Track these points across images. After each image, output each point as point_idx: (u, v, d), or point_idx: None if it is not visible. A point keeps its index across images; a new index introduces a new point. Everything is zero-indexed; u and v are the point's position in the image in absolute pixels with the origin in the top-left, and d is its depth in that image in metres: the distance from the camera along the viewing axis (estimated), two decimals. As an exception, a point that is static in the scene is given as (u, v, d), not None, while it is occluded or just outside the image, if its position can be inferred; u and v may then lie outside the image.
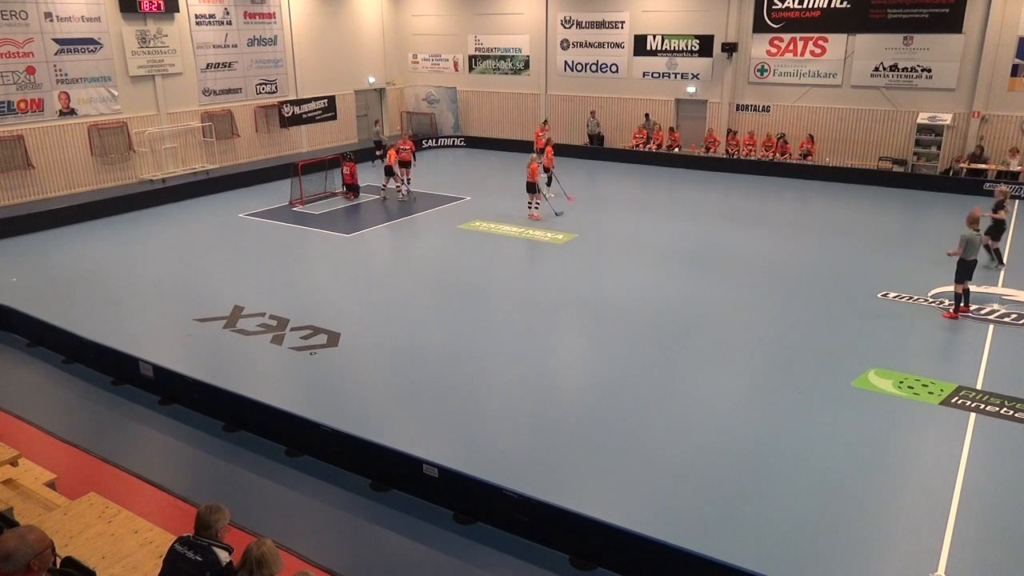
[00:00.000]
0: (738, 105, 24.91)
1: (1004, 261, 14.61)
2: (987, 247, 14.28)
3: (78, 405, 9.81)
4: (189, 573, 4.49)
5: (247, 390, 9.18)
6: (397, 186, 20.63)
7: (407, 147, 20.59)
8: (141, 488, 7.74)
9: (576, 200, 19.67)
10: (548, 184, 20.04)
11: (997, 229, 14.46)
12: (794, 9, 23.16)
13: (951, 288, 12.25)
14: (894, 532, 7.08)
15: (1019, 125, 20.97)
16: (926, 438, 8.73)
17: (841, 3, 22.45)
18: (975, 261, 11.95)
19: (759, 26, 23.81)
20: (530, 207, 18.43)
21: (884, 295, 13.11)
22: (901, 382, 9.94)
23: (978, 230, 12.03)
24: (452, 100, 29.66)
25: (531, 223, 17.92)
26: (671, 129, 25.82)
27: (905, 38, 21.81)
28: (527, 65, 28.44)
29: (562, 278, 14.39)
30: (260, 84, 24.98)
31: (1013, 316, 12.14)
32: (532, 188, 18.16)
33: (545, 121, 27.16)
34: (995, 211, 14.49)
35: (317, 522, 7.46)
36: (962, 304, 12.09)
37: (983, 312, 12.22)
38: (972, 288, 12.34)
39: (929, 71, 21.72)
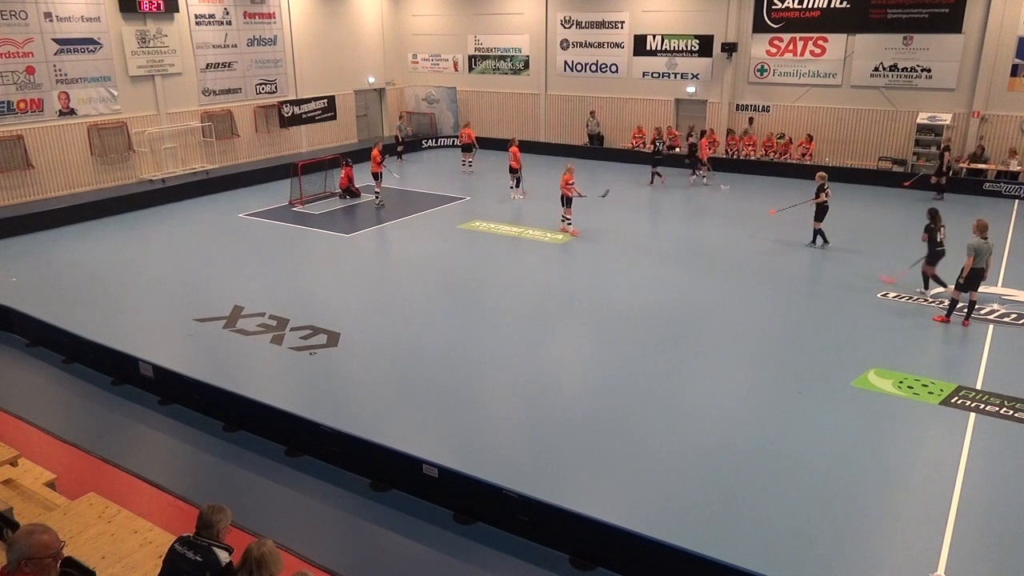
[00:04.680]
0: (738, 105, 24.91)
1: (828, 240, 15.88)
2: (818, 232, 15.84)
3: (78, 405, 9.81)
4: (189, 573, 4.48)
5: (247, 390, 9.19)
6: (376, 192, 20.37)
7: (374, 157, 19.87)
8: (141, 488, 7.73)
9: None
10: (518, 185, 20.30)
11: (821, 211, 15.68)
12: (794, 9, 23.16)
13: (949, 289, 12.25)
14: (894, 532, 7.09)
15: (1019, 125, 20.96)
16: (926, 438, 8.73)
17: (841, 3, 22.45)
18: (982, 271, 11.55)
19: (759, 26, 23.80)
20: (564, 221, 17.04)
21: (884, 295, 13.11)
22: (901, 382, 9.94)
23: (987, 238, 11.45)
24: (452, 100, 29.65)
25: (531, 223, 17.88)
26: (671, 128, 25.82)
27: (905, 38, 21.80)
28: (527, 65, 28.44)
29: (562, 278, 14.39)
30: (260, 84, 24.97)
31: (1013, 316, 12.14)
32: (566, 201, 16.82)
33: (703, 131, 23.46)
34: (817, 196, 15.58)
35: (317, 522, 7.46)
36: (964, 318, 11.78)
37: (983, 312, 12.21)
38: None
39: (929, 71, 21.72)
